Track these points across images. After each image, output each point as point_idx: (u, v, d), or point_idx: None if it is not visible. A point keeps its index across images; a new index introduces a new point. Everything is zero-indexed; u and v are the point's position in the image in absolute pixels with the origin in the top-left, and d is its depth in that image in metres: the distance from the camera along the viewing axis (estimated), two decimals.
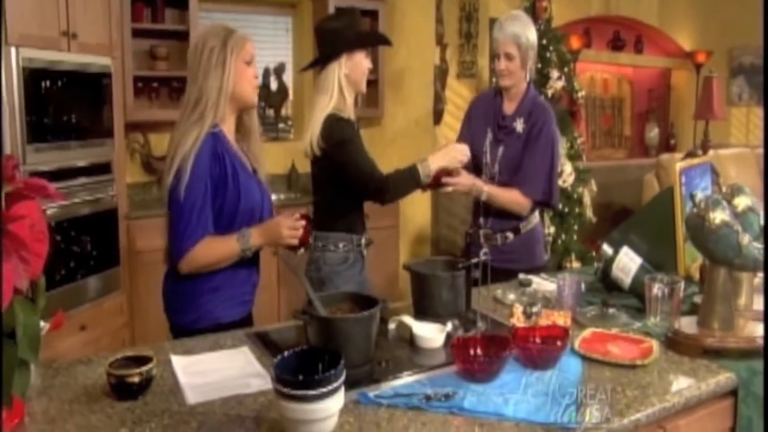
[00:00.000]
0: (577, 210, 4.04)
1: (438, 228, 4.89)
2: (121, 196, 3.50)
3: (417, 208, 4.87)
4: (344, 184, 2.18)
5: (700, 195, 1.70)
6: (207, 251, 1.76)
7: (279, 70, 4.73)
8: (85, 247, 3.18)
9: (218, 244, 1.77)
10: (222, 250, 1.77)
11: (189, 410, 1.29)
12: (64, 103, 3.00)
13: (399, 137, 4.83)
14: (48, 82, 2.86)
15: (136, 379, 1.31)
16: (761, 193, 2.38)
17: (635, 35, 7.01)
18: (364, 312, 1.43)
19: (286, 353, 1.21)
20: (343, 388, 1.16)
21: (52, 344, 2.75)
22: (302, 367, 1.19)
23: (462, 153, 2.21)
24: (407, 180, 2.16)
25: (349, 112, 2.22)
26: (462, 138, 2.54)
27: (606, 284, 2.04)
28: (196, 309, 1.81)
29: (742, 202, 1.80)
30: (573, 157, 4.12)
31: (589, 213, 4.16)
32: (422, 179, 2.15)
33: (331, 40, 2.18)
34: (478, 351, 1.44)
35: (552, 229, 3.89)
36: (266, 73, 4.66)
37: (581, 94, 4.25)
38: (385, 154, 4.82)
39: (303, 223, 1.82)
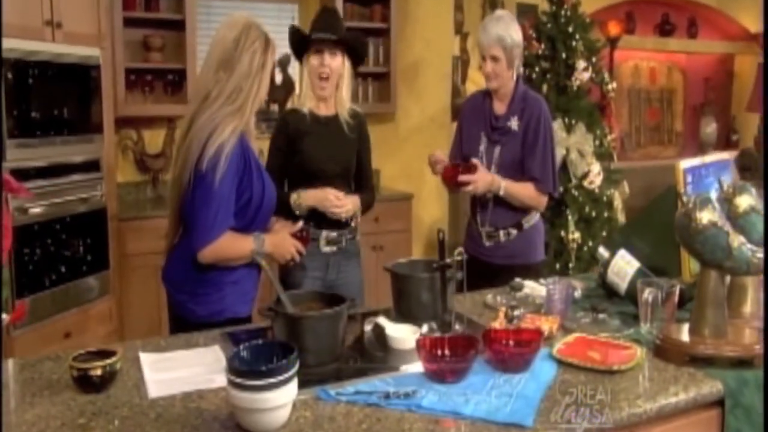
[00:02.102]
0: (606, 214, 4.14)
1: (456, 233, 5.02)
2: (110, 196, 3.69)
3: (431, 210, 5.02)
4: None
5: (694, 193, 1.82)
6: (231, 244, 1.99)
7: (284, 62, 4.91)
8: (71, 250, 3.37)
9: (240, 241, 2.01)
10: (243, 248, 2.01)
11: (150, 403, 1.47)
12: (49, 97, 3.20)
13: (413, 134, 4.99)
14: (31, 75, 3.05)
15: (98, 372, 1.49)
16: None
17: (688, 17, 7.01)
18: (329, 309, 1.60)
19: (241, 346, 1.39)
20: (295, 380, 1.32)
21: (32, 352, 2.94)
22: (259, 360, 1.37)
23: (334, 198, 2.44)
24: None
25: (311, 106, 2.57)
26: (456, 141, 2.80)
27: (606, 290, 2.17)
28: (219, 301, 2.05)
29: (744, 202, 1.91)
30: (602, 156, 4.22)
31: (621, 218, 4.25)
32: (293, 206, 2.46)
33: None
34: (446, 352, 1.59)
35: (577, 235, 4.00)
36: None
37: (612, 86, 4.35)
38: (398, 152, 5.01)
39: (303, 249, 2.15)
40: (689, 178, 2.16)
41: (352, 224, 2.60)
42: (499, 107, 2.69)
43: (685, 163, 2.18)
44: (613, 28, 5.83)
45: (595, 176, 4.07)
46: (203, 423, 1.38)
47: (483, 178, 2.55)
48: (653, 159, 6.88)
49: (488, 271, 2.57)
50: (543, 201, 2.70)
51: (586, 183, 4.06)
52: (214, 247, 1.96)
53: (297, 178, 2.56)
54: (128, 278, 3.83)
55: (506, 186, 2.59)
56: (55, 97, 3.23)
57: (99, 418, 1.40)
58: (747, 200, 1.91)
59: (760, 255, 1.74)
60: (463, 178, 2.53)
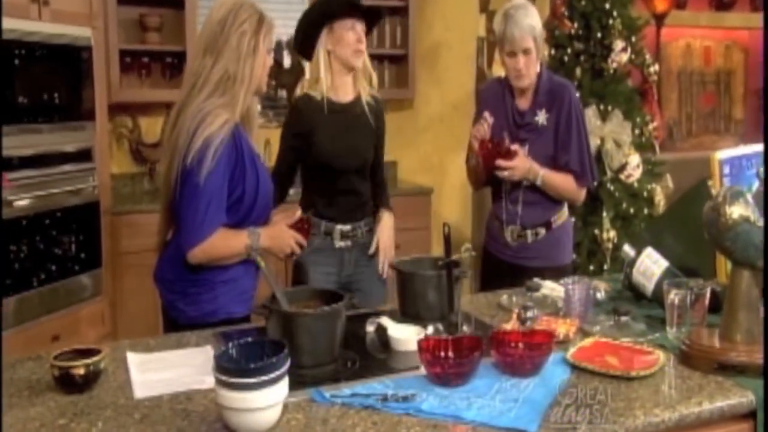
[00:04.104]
0: (645, 211, 4.14)
1: (480, 231, 5.05)
2: (103, 188, 3.79)
3: (453, 206, 5.07)
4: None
5: (725, 186, 1.86)
6: (223, 242, 2.06)
7: (293, 44, 4.98)
8: (60, 246, 3.46)
9: (233, 238, 2.07)
10: (237, 245, 2.07)
11: (135, 404, 1.55)
12: (36, 81, 3.29)
13: (434, 123, 5.05)
14: (15, 56, 3.13)
15: (81, 371, 1.58)
16: None
17: None
18: (325, 308, 1.67)
19: (230, 344, 1.47)
20: (285, 380, 1.40)
21: (17, 356, 3.04)
22: (249, 359, 1.45)
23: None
24: None
25: (328, 92, 2.59)
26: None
27: (633, 291, 2.22)
28: (212, 301, 2.12)
29: None
30: (642, 146, 4.23)
31: None
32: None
33: (309, 12, 2.61)
34: (449, 354, 1.66)
35: (612, 234, 4.02)
36: (278, 48, 4.92)
37: (654, 68, 4.36)
38: (417, 143, 5.07)
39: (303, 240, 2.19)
40: (726, 170, 2.19)
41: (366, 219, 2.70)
42: (522, 102, 2.72)
43: (722, 153, 2.21)
44: (660, 4, 5.82)
45: (634, 169, 4.08)
46: (190, 425, 1.46)
47: (521, 166, 2.60)
48: (707, 150, 6.83)
49: (510, 273, 2.63)
50: (582, 194, 2.77)
51: (623, 176, 4.07)
52: (205, 247, 2.02)
53: (312, 174, 2.64)
54: (122, 277, 3.92)
55: (544, 175, 2.64)
56: (42, 81, 3.32)
57: (81, 419, 1.48)
58: None
59: None
60: (501, 163, 2.57)
